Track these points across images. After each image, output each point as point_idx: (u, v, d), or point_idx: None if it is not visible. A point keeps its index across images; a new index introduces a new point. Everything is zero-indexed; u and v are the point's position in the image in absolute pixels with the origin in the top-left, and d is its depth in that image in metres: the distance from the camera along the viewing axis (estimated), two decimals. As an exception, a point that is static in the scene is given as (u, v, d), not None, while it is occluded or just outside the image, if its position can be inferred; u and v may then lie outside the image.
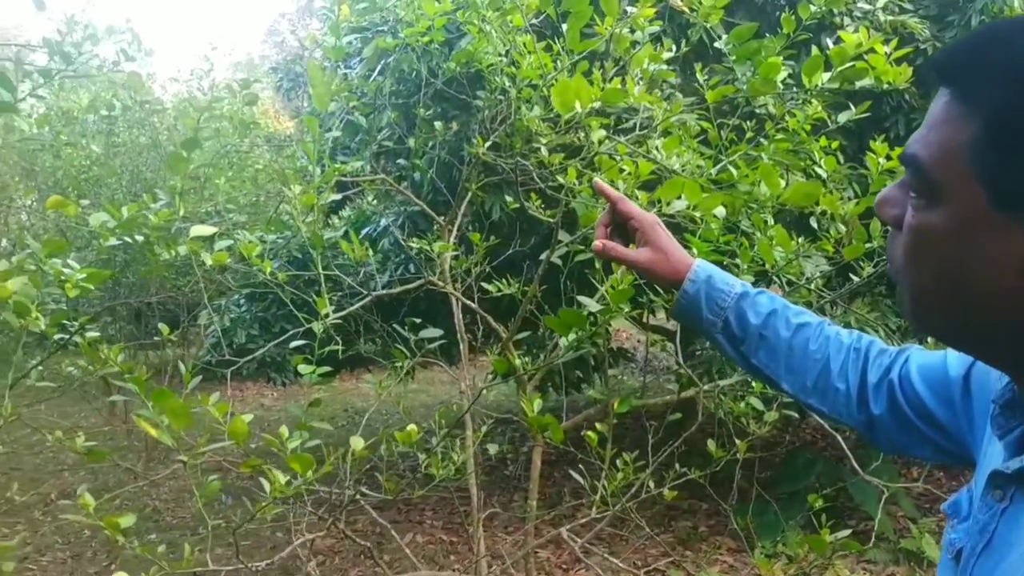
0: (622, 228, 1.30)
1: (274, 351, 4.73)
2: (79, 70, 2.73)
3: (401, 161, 4.12)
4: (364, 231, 5.40)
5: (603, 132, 2.30)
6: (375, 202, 5.62)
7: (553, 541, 4.63)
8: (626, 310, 2.16)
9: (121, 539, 1.84)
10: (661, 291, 2.29)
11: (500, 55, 3.29)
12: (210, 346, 5.83)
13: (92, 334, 2.83)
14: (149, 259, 3.06)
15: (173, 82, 10.23)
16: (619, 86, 2.31)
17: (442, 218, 3.61)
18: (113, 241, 2.83)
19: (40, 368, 3.23)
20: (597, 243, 1.27)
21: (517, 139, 3.12)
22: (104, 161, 8.07)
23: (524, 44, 2.99)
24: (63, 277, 2.39)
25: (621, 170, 2.54)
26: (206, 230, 2.26)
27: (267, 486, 1.85)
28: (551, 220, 2.78)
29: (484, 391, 2.72)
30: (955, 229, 0.69)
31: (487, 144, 3.22)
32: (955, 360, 1.00)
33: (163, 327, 3.28)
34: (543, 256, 2.91)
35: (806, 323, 1.17)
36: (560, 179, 2.58)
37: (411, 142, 3.84)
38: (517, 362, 1.99)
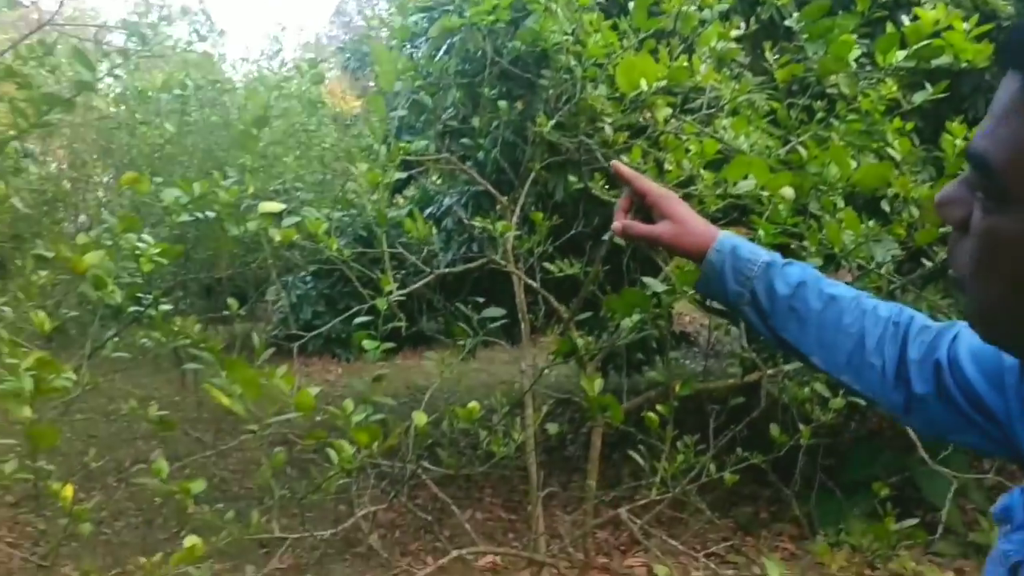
0: (643, 210, 1.26)
1: (340, 327, 4.81)
2: (154, 50, 2.80)
3: (465, 141, 4.13)
4: (428, 210, 5.44)
5: (668, 111, 2.27)
6: (438, 182, 5.65)
7: (612, 522, 4.63)
8: (690, 292, 2.14)
9: (191, 505, 1.90)
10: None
11: (566, 34, 3.28)
12: (277, 321, 5.96)
13: (165, 307, 2.92)
14: (219, 235, 3.14)
15: (243, 62, 10.40)
16: (685, 64, 2.28)
17: (505, 198, 3.62)
18: (184, 217, 2.91)
19: (116, 339, 3.34)
20: (616, 224, 1.24)
21: (582, 118, 3.10)
22: (177, 140, 8.27)
23: (590, 22, 2.97)
24: (138, 252, 2.47)
25: (687, 150, 2.52)
26: (274, 207, 2.31)
27: (334, 457, 1.89)
28: (615, 200, 2.76)
29: (545, 371, 2.72)
30: None
31: (551, 123, 3.21)
32: None
33: (232, 302, 3.36)
34: (606, 236, 2.90)
35: (839, 295, 1.09)
36: (624, 159, 2.56)
37: (475, 122, 3.85)
38: (580, 342, 1.99)
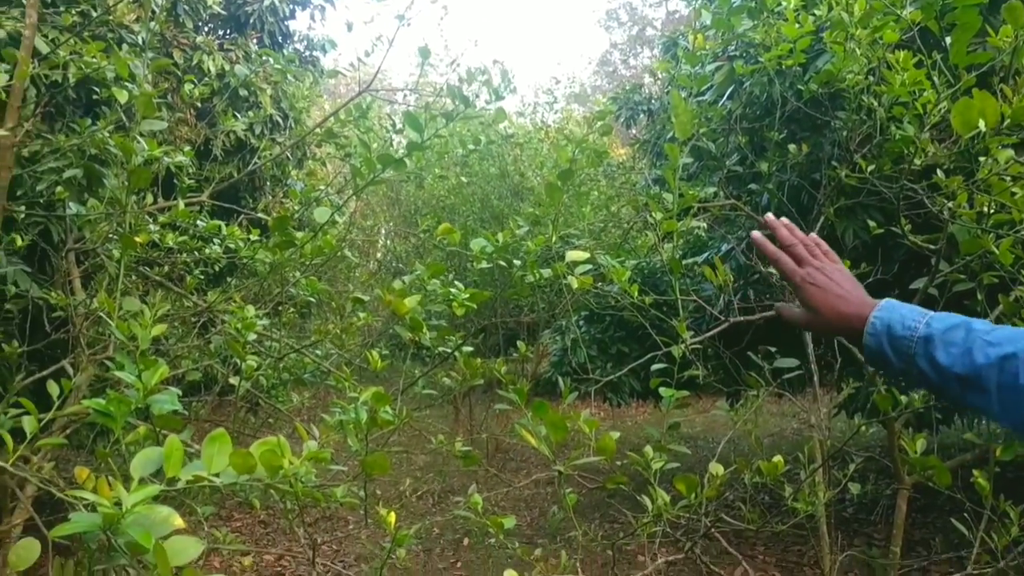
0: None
1: (609, 371, 4.87)
2: (467, 112, 3.03)
3: (753, 186, 4.06)
4: (703, 256, 5.39)
5: (1010, 152, 2.09)
6: (704, 228, 5.60)
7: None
8: None
9: (502, 538, 1.99)
10: None
11: (864, 73, 3.14)
12: (551, 364, 6.13)
13: (467, 348, 3.11)
14: (514, 282, 3.31)
15: (518, 116, 10.95)
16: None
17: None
18: (484, 264, 3.09)
19: (423, 378, 3.60)
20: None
21: (885, 160, 2.94)
22: (458, 190, 8.87)
23: (897, 60, 2.82)
24: (451, 296, 2.66)
25: (1012, 193, 2.30)
26: (581, 255, 2.39)
27: (647, 504, 1.90)
28: (928, 247, 2.58)
29: (825, 424, 2.57)
30: None
31: (849, 166, 3.08)
32: None
33: (521, 344, 3.51)
34: (915, 284, 2.71)
35: (1010, 353, 0.97)
36: (946, 203, 2.39)
37: (762, 166, 3.78)
38: (903, 399, 1.87)
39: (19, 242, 2.50)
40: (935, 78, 2.70)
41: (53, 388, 1.65)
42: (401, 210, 10.58)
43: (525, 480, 7.32)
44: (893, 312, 1.10)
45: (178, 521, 1.29)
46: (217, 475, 1.35)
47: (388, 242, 11.71)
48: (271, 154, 4.85)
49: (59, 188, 2.48)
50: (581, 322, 6.20)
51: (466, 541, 6.79)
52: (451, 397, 9.68)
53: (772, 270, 3.19)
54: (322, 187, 4.54)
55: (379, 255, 11.81)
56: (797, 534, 6.84)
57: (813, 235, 1.26)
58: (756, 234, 1.26)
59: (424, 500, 7.91)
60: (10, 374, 2.42)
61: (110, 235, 2.92)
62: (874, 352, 1.10)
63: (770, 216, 1.27)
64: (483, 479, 8.06)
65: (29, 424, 1.56)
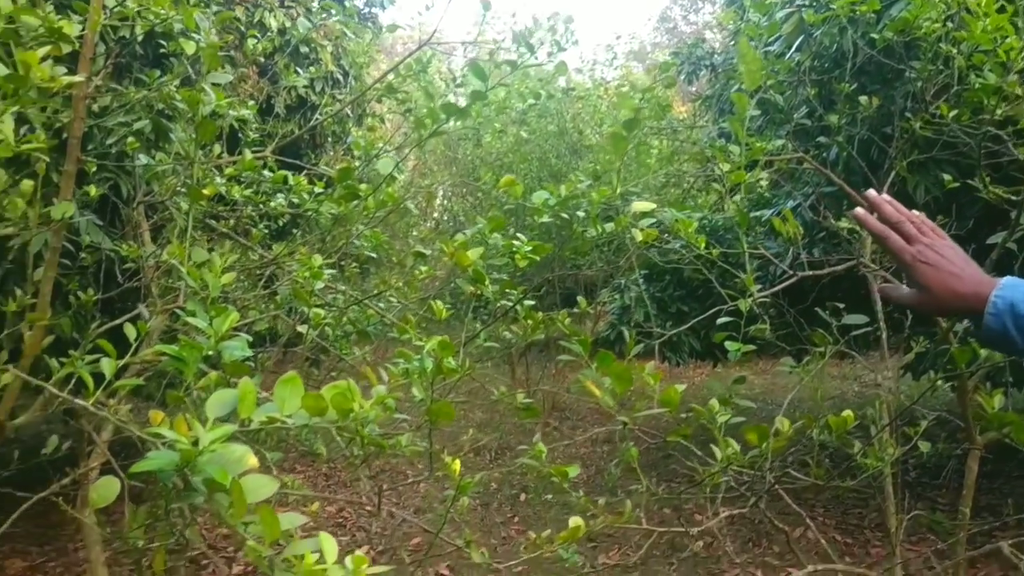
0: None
1: (670, 330, 4.82)
2: (528, 63, 2.99)
3: (822, 139, 3.95)
4: (766, 213, 5.29)
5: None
6: (766, 182, 5.48)
7: (989, 555, 4.17)
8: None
9: (566, 487, 2.00)
10: None
11: (942, 20, 3.02)
12: (609, 323, 6.11)
13: (528, 302, 3.10)
14: (575, 236, 3.29)
15: (576, 72, 10.83)
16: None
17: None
18: (545, 218, 3.07)
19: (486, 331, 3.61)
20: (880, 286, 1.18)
21: (964, 110, 2.83)
22: (516, 148, 8.82)
23: (978, 5, 2.70)
24: (513, 249, 2.65)
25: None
26: (646, 206, 2.35)
27: (718, 454, 1.88)
28: (1009, 198, 2.49)
29: (890, 384, 2.51)
30: None
31: (924, 117, 2.97)
32: None
33: (581, 300, 3.50)
34: (992, 239, 2.62)
35: None
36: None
37: (831, 119, 3.67)
38: (983, 352, 1.81)
39: (93, 192, 2.56)
40: (1019, 23, 2.58)
41: (130, 331, 1.69)
42: (458, 168, 10.58)
43: (582, 436, 7.36)
44: (1016, 291, 1.06)
45: (252, 460, 1.32)
46: (290, 417, 1.37)
47: (445, 201, 11.75)
48: (332, 111, 4.87)
49: (130, 140, 2.53)
50: (640, 280, 6.15)
51: (523, 497, 6.86)
52: (508, 355, 9.73)
53: (841, 226, 3.12)
54: (381, 144, 4.54)
55: (435, 214, 11.86)
56: (858, 497, 6.75)
57: (918, 212, 1.20)
58: (859, 211, 1.20)
59: (481, 456, 8.01)
60: (86, 322, 2.50)
61: (178, 188, 2.97)
62: (995, 333, 1.06)
63: (872, 193, 1.21)
64: (542, 435, 8.12)
65: (108, 366, 1.60)
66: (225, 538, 5.80)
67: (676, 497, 2.47)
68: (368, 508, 5.48)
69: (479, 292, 2.69)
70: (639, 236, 2.62)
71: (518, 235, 2.60)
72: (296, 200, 3.18)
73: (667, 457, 7.34)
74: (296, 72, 4.09)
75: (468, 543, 2.11)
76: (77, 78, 1.52)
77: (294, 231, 5.00)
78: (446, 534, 2.33)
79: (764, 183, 5.51)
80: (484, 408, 9.38)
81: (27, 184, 1.87)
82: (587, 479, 7.15)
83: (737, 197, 2.57)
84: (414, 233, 10.00)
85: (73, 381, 1.97)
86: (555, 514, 6.17)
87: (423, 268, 3.19)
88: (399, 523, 5.34)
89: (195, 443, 1.27)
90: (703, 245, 2.35)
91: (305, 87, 5.59)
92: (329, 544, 1.34)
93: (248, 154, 2.59)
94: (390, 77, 4.02)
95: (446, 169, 11.21)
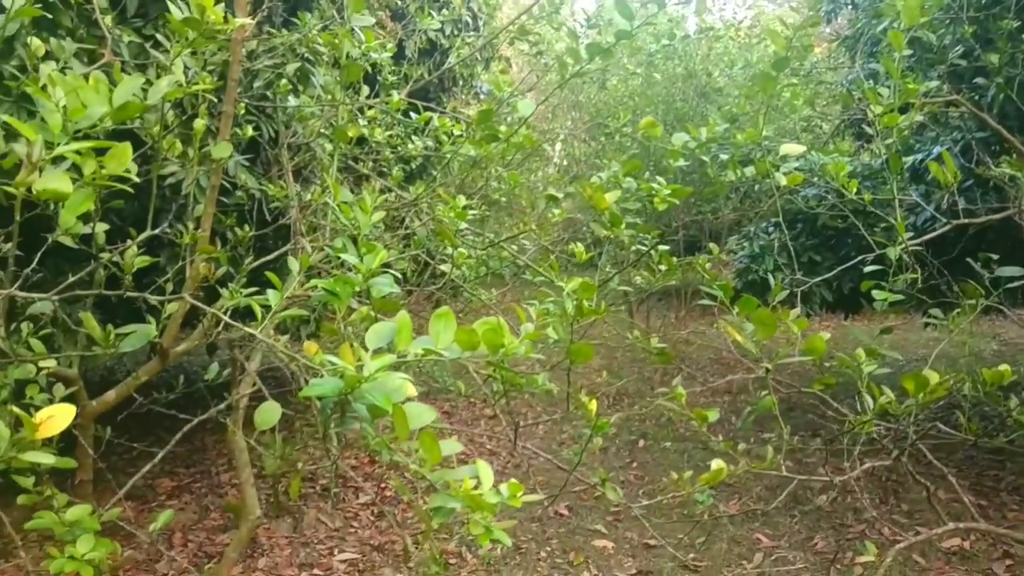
0: None
1: (800, 280, 4.68)
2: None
3: (979, 80, 3.71)
4: (908, 160, 5.03)
5: None
6: (910, 127, 5.18)
7: None
8: None
9: (704, 430, 2.01)
10: None
11: None
12: (736, 271, 5.98)
13: (663, 247, 3.08)
14: (712, 180, 3.22)
15: (707, 14, 10.47)
16: None
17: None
18: (681, 162, 3.02)
19: (617, 275, 3.62)
20: None
21: None
22: (642, 92, 8.65)
23: None
24: (652, 192, 2.63)
25: None
26: (796, 149, 2.28)
27: (868, 404, 1.85)
28: None
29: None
30: None
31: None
32: None
33: (713, 247, 3.44)
34: None
35: None
36: None
37: (990, 59, 3.44)
38: None
39: (248, 132, 2.68)
40: None
41: (293, 264, 1.78)
42: (582, 112, 10.47)
43: (700, 387, 7.31)
44: None
45: (411, 390, 1.38)
46: (445, 350, 1.42)
47: (567, 147, 11.67)
48: (464, 54, 4.89)
49: (283, 82, 2.62)
50: (771, 227, 5.99)
51: (641, 443, 6.87)
52: (627, 303, 9.69)
53: (994, 172, 2.94)
54: (510, 88, 4.56)
55: (556, 160, 11.80)
56: (994, 459, 6.46)
57: None
58: None
59: (600, 402, 8.05)
60: (240, 258, 2.64)
61: (321, 130, 3.07)
62: None
63: None
64: (660, 383, 8.11)
65: (274, 297, 1.69)
66: (353, 469, 6.06)
67: (806, 447, 2.43)
68: (505, 442, 5.62)
69: (613, 236, 2.69)
70: (782, 180, 2.55)
71: (657, 178, 2.57)
72: (431, 143, 3.23)
73: (791, 410, 7.20)
74: (430, 15, 4.12)
75: (603, 480, 2.15)
76: (245, 20, 1.59)
77: (423, 175, 5.09)
78: (573, 475, 2.37)
79: (912, 124, 5.21)
80: (601, 354, 9.38)
81: (200, 123, 1.97)
82: (710, 428, 7.10)
83: (889, 140, 2.46)
84: (539, 175, 9.99)
85: (228, 312, 2.09)
86: (672, 461, 6.17)
87: (555, 211, 3.20)
88: (529, 459, 5.45)
89: (360, 369, 1.33)
90: (855, 189, 2.26)
91: (436, 31, 5.62)
92: (485, 470, 1.39)
93: (396, 96, 2.64)
94: (523, 19, 4.00)
95: (568, 113, 11.12)
